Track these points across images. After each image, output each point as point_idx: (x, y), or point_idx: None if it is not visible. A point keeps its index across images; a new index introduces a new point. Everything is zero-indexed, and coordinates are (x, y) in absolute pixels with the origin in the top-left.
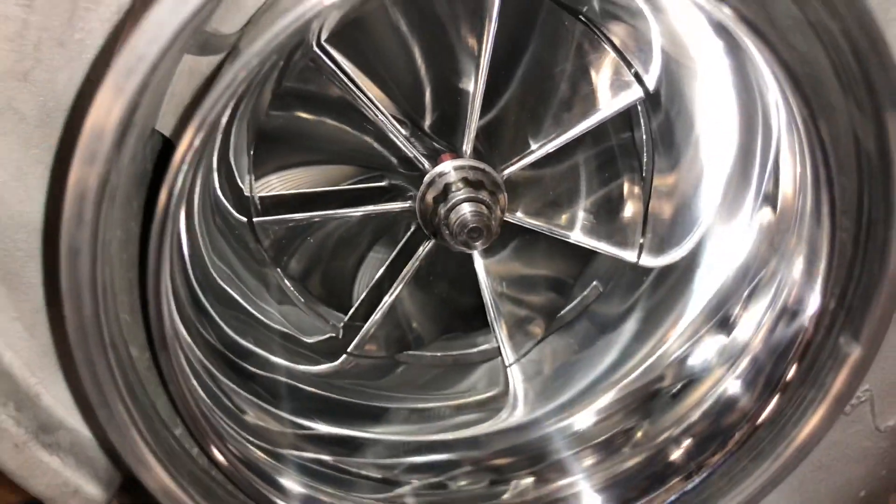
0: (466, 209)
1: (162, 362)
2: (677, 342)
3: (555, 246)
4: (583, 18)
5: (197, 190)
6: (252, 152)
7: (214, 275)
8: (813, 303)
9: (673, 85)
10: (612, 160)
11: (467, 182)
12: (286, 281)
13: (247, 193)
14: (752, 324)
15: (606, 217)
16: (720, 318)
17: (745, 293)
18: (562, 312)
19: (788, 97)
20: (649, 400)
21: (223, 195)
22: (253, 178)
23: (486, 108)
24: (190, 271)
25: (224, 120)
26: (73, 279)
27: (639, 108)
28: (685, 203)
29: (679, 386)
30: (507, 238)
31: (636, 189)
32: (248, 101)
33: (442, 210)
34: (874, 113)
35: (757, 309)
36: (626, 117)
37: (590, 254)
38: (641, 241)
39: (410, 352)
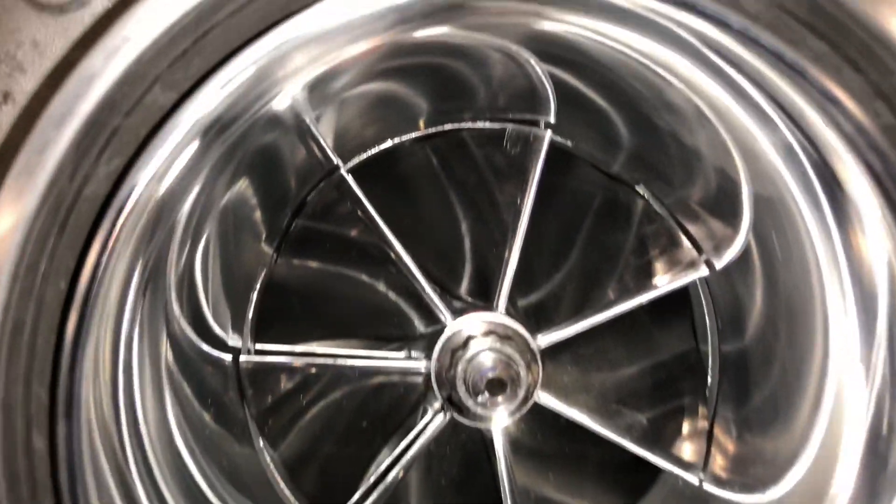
0: (489, 357)
1: None
2: None
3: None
4: (640, 191)
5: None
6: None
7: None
8: None
9: None
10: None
11: (495, 335)
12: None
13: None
14: None
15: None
16: None
17: None
18: None
19: None
20: None
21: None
22: (250, 332)
23: (525, 276)
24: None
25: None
26: None
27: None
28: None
29: None
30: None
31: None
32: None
33: (459, 362)
34: None
35: None
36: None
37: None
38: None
39: None
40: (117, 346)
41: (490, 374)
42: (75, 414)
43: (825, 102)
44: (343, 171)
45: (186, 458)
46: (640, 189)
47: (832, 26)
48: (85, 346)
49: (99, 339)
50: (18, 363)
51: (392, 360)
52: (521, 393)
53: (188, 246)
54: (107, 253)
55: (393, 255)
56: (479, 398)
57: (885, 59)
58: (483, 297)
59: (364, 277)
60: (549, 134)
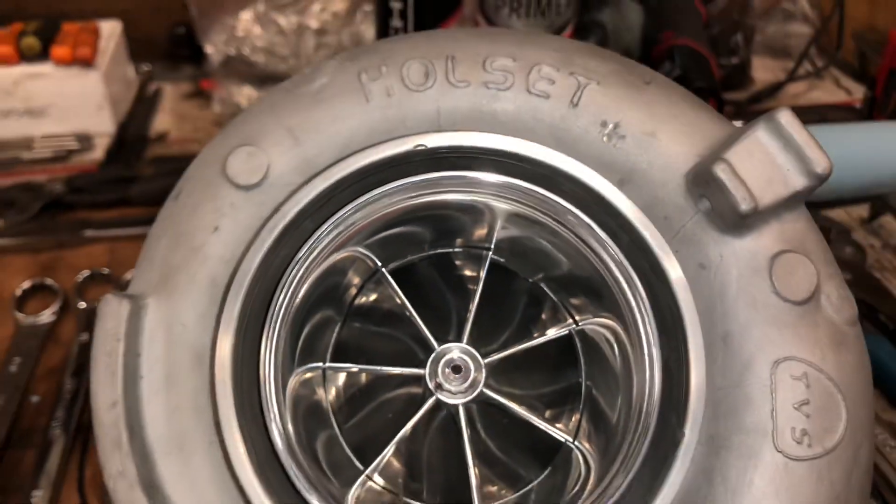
0: (455, 356)
1: None
2: None
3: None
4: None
5: None
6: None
7: None
8: None
9: None
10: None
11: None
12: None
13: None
14: None
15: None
16: None
17: None
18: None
19: None
20: None
21: None
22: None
23: (480, 328)
24: None
25: None
26: None
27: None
28: None
29: None
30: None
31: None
32: None
33: (440, 363)
34: None
35: None
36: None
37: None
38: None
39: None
40: None
41: (452, 364)
42: None
43: None
44: (384, 270)
45: None
46: (538, 282)
47: None
48: None
49: None
50: None
51: (407, 370)
52: (473, 386)
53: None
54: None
55: (408, 315)
56: (451, 381)
57: None
58: (458, 339)
59: (391, 331)
60: (490, 254)
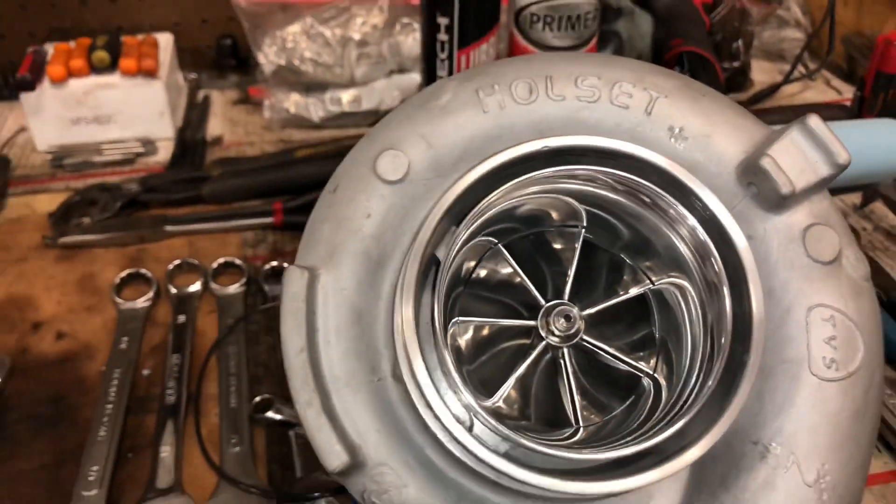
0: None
1: None
2: None
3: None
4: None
5: None
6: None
7: None
8: None
9: None
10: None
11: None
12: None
13: None
14: None
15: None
16: None
17: None
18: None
19: None
20: None
21: None
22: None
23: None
24: None
25: None
26: None
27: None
28: None
29: None
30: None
31: None
32: None
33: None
34: None
35: None
36: None
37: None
38: None
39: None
40: None
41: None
42: None
43: None
44: (500, 246)
45: None
46: (618, 252)
47: None
48: None
49: None
50: None
51: (522, 322)
52: (576, 334)
53: None
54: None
55: (518, 281)
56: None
57: None
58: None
59: (501, 297)
60: (583, 231)
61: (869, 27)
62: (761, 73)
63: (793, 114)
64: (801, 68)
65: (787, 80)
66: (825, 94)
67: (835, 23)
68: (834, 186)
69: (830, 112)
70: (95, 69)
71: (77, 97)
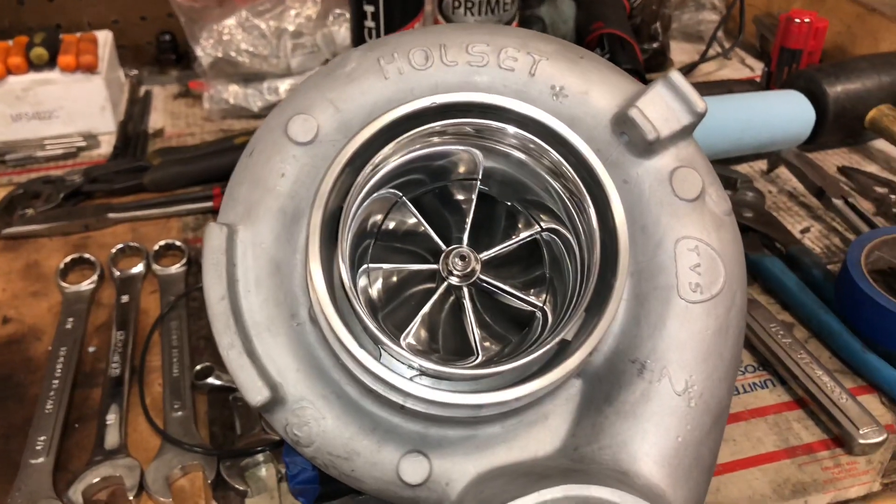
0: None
1: None
2: None
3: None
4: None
5: None
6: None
7: None
8: None
9: None
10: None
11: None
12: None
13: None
14: None
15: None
16: None
17: None
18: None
19: None
20: None
21: None
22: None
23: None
24: None
25: None
26: None
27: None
28: None
29: None
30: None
31: None
32: None
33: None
34: None
35: None
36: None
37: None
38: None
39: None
40: None
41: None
42: None
43: None
44: (405, 198)
45: None
46: (514, 203)
47: None
48: None
49: None
50: None
51: (425, 266)
52: (473, 273)
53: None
54: None
55: (422, 230)
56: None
57: None
58: (459, 244)
59: (408, 246)
60: (478, 183)
61: (778, 8)
62: (681, 54)
63: (708, 90)
64: (717, 48)
65: (703, 58)
66: (740, 71)
67: (745, 4)
68: (743, 154)
69: (742, 87)
70: (34, 66)
71: (16, 94)
